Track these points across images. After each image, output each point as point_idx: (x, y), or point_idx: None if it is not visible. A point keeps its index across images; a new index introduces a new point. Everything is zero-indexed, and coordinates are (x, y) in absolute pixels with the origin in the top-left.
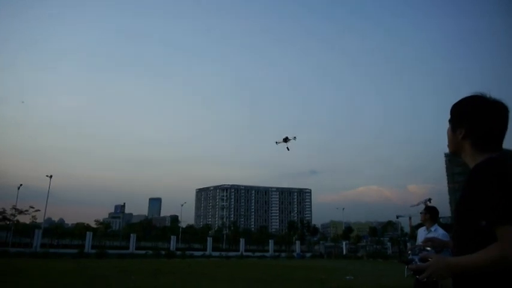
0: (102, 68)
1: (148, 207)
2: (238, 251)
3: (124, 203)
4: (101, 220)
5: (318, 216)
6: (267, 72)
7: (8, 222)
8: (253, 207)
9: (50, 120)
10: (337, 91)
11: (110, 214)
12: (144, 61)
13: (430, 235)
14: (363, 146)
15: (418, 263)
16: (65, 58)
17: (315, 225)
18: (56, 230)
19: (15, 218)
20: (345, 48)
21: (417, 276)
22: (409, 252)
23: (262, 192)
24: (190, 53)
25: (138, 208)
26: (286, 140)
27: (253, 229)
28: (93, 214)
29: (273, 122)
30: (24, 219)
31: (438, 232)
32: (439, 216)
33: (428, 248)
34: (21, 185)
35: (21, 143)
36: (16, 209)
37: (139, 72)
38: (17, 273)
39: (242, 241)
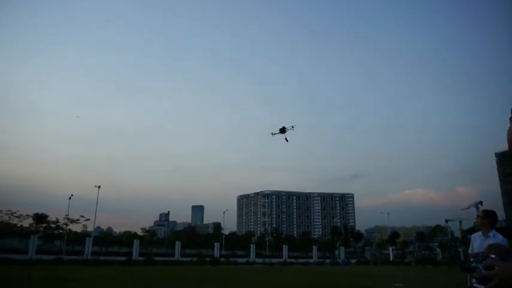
0: (147, 81)
1: (192, 214)
2: (282, 257)
3: (168, 211)
4: (147, 228)
5: (362, 222)
6: (321, 79)
7: (61, 231)
8: (295, 213)
9: (98, 132)
10: (379, 93)
11: (155, 222)
12: (189, 73)
13: (489, 241)
14: (407, 147)
15: (483, 271)
16: (113, 72)
17: (359, 230)
18: (105, 239)
19: (68, 227)
20: (385, 48)
21: (483, 286)
22: (472, 259)
23: (304, 198)
24: (233, 64)
25: (182, 216)
26: (283, 130)
27: (295, 235)
28: (139, 222)
29: (320, 127)
30: (76, 228)
31: (497, 238)
32: None
33: (493, 256)
34: (72, 195)
35: (72, 155)
36: (68, 219)
37: (181, 84)
38: (73, 280)
39: (285, 248)
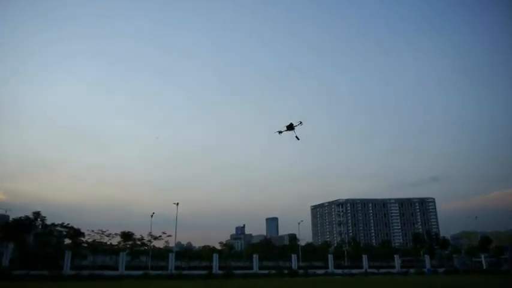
0: (217, 101)
1: (266, 227)
2: (362, 267)
3: (244, 225)
4: (224, 242)
5: (446, 227)
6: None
7: (146, 248)
8: (371, 221)
9: (174, 152)
10: (454, 94)
11: (231, 236)
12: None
13: None
14: (491, 146)
15: None
16: (189, 95)
17: (444, 237)
18: (186, 253)
19: (152, 244)
20: (457, 49)
21: None
22: None
23: (380, 205)
24: (300, 71)
25: (257, 228)
26: (291, 127)
27: (374, 244)
28: (216, 236)
29: (392, 131)
30: (159, 244)
31: None
32: None
33: None
34: (153, 213)
35: (151, 175)
36: (151, 236)
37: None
38: None
39: (365, 257)
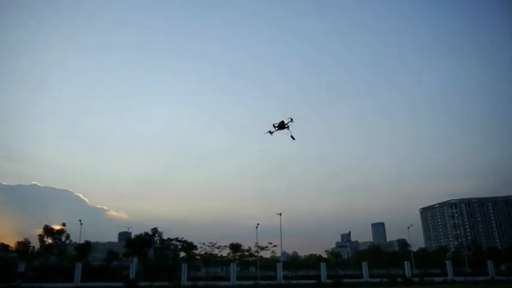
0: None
1: (372, 232)
2: (487, 274)
3: (349, 232)
4: (330, 250)
5: None
6: None
7: (253, 258)
8: (493, 221)
9: (273, 162)
10: None
11: (336, 243)
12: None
13: None
14: None
15: None
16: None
17: None
18: (293, 263)
19: (259, 254)
20: None
21: None
22: None
23: (502, 203)
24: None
25: (363, 235)
26: (282, 125)
27: (499, 247)
28: (321, 244)
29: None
30: (265, 254)
31: None
32: None
33: None
34: (258, 224)
35: (253, 187)
36: (258, 246)
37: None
38: None
39: (490, 263)
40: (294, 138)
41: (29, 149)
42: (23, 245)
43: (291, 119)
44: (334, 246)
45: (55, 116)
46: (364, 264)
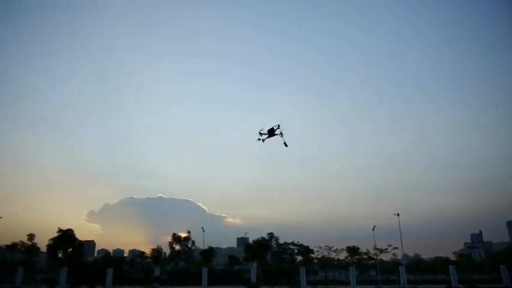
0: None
1: (508, 231)
2: None
3: (480, 231)
4: (458, 251)
5: None
6: None
7: (373, 261)
8: None
9: (386, 161)
10: None
11: (465, 244)
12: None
13: None
14: None
15: None
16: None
17: None
18: (416, 266)
19: (378, 257)
20: None
21: None
22: None
23: None
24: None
25: (497, 234)
26: (272, 132)
27: None
28: (447, 245)
29: None
30: (385, 257)
31: None
32: None
33: None
34: (374, 226)
35: (366, 187)
36: (377, 249)
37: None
38: None
39: None
40: (286, 145)
41: (154, 165)
42: (157, 252)
43: (279, 125)
44: (462, 247)
45: (174, 135)
46: (503, 268)
